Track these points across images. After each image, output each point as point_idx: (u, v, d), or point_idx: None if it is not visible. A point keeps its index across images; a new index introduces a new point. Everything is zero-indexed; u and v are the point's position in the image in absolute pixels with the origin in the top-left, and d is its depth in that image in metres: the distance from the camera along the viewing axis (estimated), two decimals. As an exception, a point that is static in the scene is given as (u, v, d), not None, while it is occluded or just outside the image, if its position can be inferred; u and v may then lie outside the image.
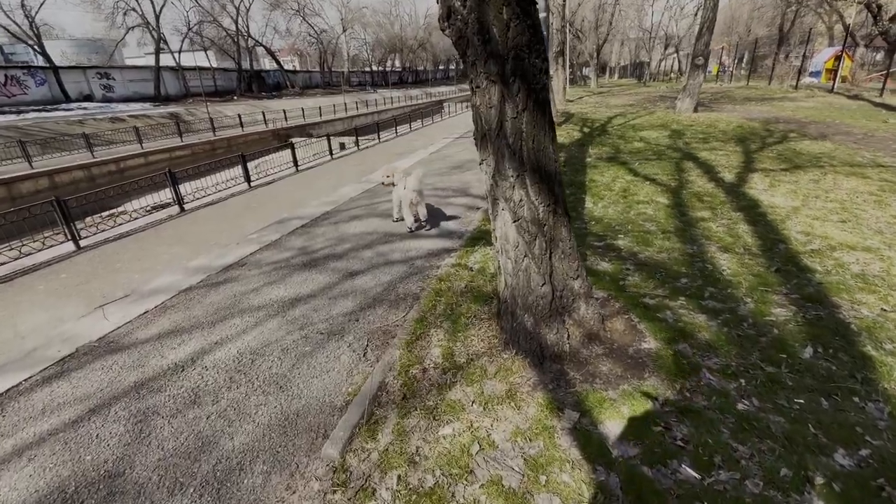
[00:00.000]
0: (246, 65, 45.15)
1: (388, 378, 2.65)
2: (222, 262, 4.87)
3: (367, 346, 3.03)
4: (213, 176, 9.33)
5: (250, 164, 10.18)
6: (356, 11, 57.93)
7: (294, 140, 15.72)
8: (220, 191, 9.21)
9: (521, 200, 2.59)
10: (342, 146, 16.35)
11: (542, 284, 2.69)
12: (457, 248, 4.76)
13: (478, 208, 6.28)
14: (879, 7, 19.69)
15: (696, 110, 14.85)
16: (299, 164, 11.68)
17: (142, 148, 19.21)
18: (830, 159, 7.29)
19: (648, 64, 49.49)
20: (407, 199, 5.26)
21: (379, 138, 17.15)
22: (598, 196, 6.11)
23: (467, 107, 31.27)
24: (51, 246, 6.12)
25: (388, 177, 5.60)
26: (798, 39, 39.39)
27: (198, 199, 8.75)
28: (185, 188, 8.66)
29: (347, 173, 10.56)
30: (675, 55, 48.69)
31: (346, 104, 34.97)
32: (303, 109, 29.58)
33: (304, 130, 27.05)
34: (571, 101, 24.28)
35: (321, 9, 53.71)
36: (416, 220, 5.46)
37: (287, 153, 11.60)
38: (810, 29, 31.45)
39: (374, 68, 67.56)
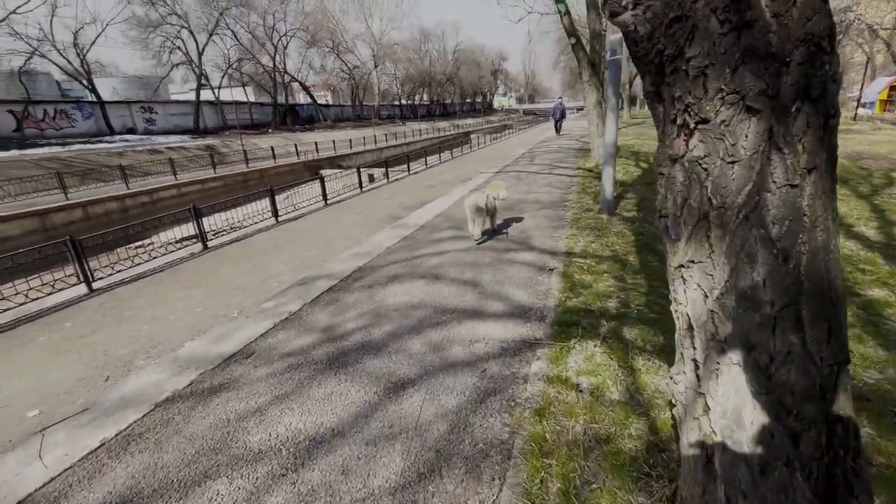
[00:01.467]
0: (281, 99, 46.23)
1: None
2: (222, 350, 3.64)
3: (442, 589, 1.66)
4: (241, 208, 9.01)
5: (279, 197, 9.74)
6: (387, 48, 59.25)
7: (324, 172, 15.09)
8: (246, 226, 8.85)
9: (787, 354, 1.24)
10: (371, 178, 15.64)
11: (822, 523, 1.29)
12: (542, 341, 3.39)
13: (551, 270, 4.92)
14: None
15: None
16: (328, 197, 11.18)
17: (175, 179, 19.06)
18: None
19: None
20: (467, 211, 6.02)
21: (409, 170, 16.36)
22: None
23: (494, 139, 30.23)
24: (62, 289, 5.67)
25: (494, 197, 6.09)
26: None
27: (223, 233, 8.35)
28: (212, 221, 8.35)
29: (379, 210, 9.56)
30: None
31: (375, 136, 34.85)
32: (334, 142, 29.50)
33: (335, 162, 26.72)
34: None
35: (354, 46, 54.77)
36: (473, 234, 6.06)
37: (316, 185, 11.10)
38: (868, 60, 29.57)
39: (404, 102, 68.57)
